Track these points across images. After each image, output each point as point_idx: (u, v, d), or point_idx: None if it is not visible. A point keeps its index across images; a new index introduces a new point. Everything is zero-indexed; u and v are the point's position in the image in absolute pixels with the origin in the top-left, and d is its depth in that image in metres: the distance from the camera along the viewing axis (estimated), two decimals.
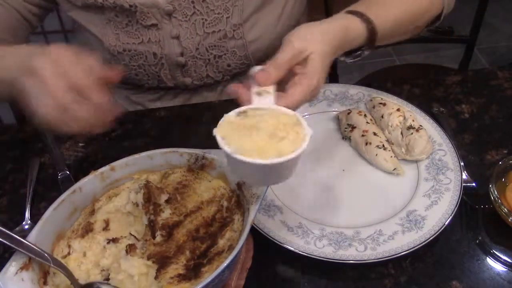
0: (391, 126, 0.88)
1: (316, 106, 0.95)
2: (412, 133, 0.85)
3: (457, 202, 0.76)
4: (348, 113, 0.91)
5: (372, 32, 0.76)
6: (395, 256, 0.70)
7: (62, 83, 0.60)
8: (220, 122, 0.61)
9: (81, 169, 0.88)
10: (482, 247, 0.75)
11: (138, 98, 1.08)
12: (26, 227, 0.78)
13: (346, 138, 0.90)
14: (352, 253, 0.71)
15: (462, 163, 0.83)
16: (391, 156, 0.84)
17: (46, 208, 0.79)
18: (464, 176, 0.82)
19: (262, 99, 0.64)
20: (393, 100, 0.93)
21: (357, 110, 0.91)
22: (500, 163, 0.79)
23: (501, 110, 0.96)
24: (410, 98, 0.96)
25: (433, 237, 0.72)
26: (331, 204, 0.80)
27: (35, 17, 0.96)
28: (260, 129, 0.59)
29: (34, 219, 0.80)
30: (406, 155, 0.85)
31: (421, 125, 0.86)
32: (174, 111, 0.99)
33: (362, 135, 0.87)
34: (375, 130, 0.88)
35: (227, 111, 0.95)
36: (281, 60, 0.67)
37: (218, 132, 0.59)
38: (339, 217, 0.77)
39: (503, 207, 0.74)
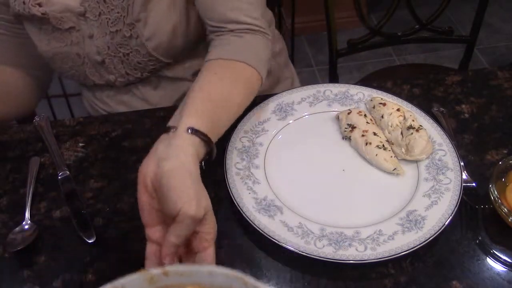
0: (391, 126, 0.88)
1: (316, 106, 0.95)
2: (412, 133, 0.85)
3: (457, 202, 0.76)
4: (348, 113, 0.91)
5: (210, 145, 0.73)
6: (395, 256, 0.70)
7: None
8: None
9: (81, 169, 0.88)
10: (482, 247, 0.75)
11: (101, 96, 1.10)
12: (26, 227, 0.78)
13: (346, 138, 0.90)
14: (352, 253, 0.71)
15: (462, 163, 0.83)
16: (391, 156, 0.84)
17: (46, 208, 0.79)
18: (464, 176, 0.82)
19: None
20: (393, 100, 0.93)
21: (357, 110, 0.91)
22: (500, 163, 0.79)
23: (501, 110, 0.96)
24: (410, 98, 0.96)
25: (433, 237, 0.72)
26: (331, 204, 0.80)
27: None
28: None
29: (34, 219, 0.80)
30: (406, 155, 0.85)
31: (421, 125, 0.87)
32: (174, 111, 0.99)
33: (362, 135, 0.87)
34: (375, 130, 0.88)
35: None
36: (176, 240, 0.64)
37: None
38: (339, 217, 0.77)
39: (503, 207, 0.74)
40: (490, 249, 0.75)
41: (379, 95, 0.95)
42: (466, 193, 0.80)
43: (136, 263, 0.74)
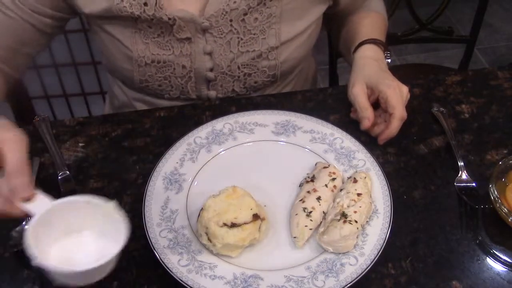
0: (337, 203, 0.76)
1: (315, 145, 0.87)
2: (338, 220, 0.73)
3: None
4: (324, 167, 0.81)
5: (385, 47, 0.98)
6: None
7: None
8: None
9: (81, 169, 0.88)
10: (482, 247, 0.75)
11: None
12: (26, 227, 0.78)
13: (301, 185, 0.81)
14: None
15: (462, 163, 0.83)
16: (305, 226, 0.74)
17: None
18: (464, 176, 0.82)
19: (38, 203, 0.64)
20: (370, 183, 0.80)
21: (333, 169, 0.81)
22: (500, 163, 0.79)
23: (501, 110, 0.96)
24: (410, 98, 0.96)
25: None
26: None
27: (52, 28, 0.95)
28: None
29: None
30: (318, 235, 0.74)
31: (356, 221, 0.73)
32: (174, 111, 0.99)
33: (308, 192, 0.78)
34: (325, 195, 0.77)
35: (227, 111, 0.96)
36: (368, 105, 0.86)
37: None
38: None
39: (503, 207, 0.74)
40: (490, 249, 0.75)
41: (373, 167, 0.82)
42: (466, 193, 0.80)
43: (135, 263, 0.75)
